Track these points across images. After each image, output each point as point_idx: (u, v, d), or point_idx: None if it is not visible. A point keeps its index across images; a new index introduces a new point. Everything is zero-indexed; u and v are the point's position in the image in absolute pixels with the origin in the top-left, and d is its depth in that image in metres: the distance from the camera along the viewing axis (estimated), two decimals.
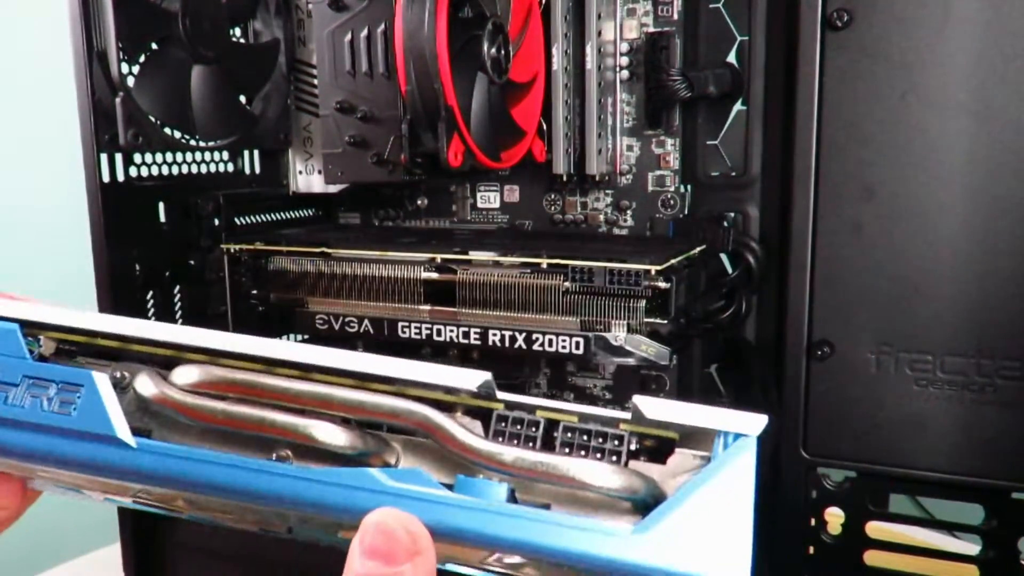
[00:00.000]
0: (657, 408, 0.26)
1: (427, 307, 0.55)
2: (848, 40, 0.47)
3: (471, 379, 0.27)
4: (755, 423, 0.26)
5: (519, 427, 0.28)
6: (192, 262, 0.59)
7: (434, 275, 0.54)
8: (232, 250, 0.60)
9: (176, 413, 0.29)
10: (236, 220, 0.62)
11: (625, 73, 0.63)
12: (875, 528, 0.52)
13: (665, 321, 0.50)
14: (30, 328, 0.30)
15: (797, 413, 0.50)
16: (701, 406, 0.26)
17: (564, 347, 0.52)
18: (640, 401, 0.26)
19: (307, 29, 0.65)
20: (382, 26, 0.54)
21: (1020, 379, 0.46)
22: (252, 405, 0.28)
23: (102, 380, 0.28)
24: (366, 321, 0.56)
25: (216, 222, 0.60)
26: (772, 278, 0.57)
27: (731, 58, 0.59)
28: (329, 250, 0.57)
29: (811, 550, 0.53)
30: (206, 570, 0.59)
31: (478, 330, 0.54)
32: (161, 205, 0.57)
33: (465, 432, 0.27)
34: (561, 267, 0.51)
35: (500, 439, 0.28)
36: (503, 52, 0.57)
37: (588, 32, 0.60)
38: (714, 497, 0.25)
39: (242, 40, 0.64)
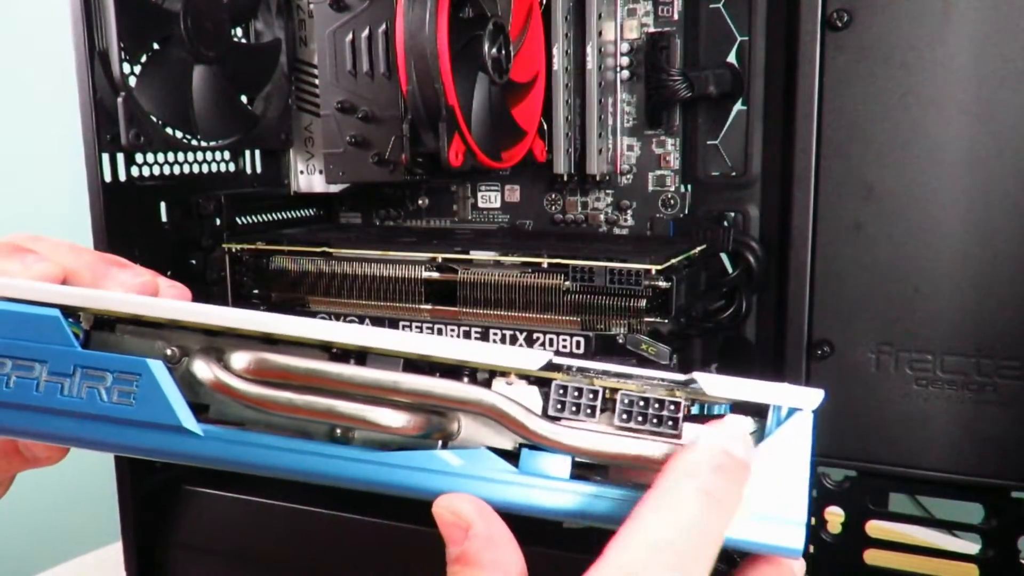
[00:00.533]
0: (716, 384, 0.27)
1: (428, 307, 0.55)
2: (848, 40, 0.48)
3: (532, 360, 0.28)
4: (810, 397, 0.26)
5: (578, 395, 0.28)
6: (193, 261, 0.59)
7: (435, 275, 0.54)
8: (233, 250, 0.60)
9: (239, 402, 0.29)
10: (237, 220, 0.62)
11: (625, 73, 0.63)
12: (875, 527, 0.52)
13: (665, 320, 0.50)
14: (70, 311, 0.30)
15: None
16: (758, 382, 0.27)
17: (565, 346, 0.52)
18: (700, 378, 0.27)
19: (308, 29, 0.65)
20: (383, 26, 0.54)
21: (1019, 379, 0.47)
22: (315, 393, 0.28)
23: (158, 368, 0.28)
24: (367, 321, 0.56)
25: (217, 222, 0.60)
26: (772, 278, 0.57)
27: (731, 58, 0.59)
28: (330, 250, 0.57)
29: (812, 549, 0.53)
30: (208, 569, 0.59)
31: (479, 329, 0.54)
32: (163, 205, 0.57)
33: (531, 417, 0.28)
34: (562, 267, 0.51)
35: (559, 407, 0.28)
36: (504, 52, 0.57)
37: (588, 32, 0.60)
38: (772, 469, 0.26)
39: (243, 40, 0.64)
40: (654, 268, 0.49)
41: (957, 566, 0.50)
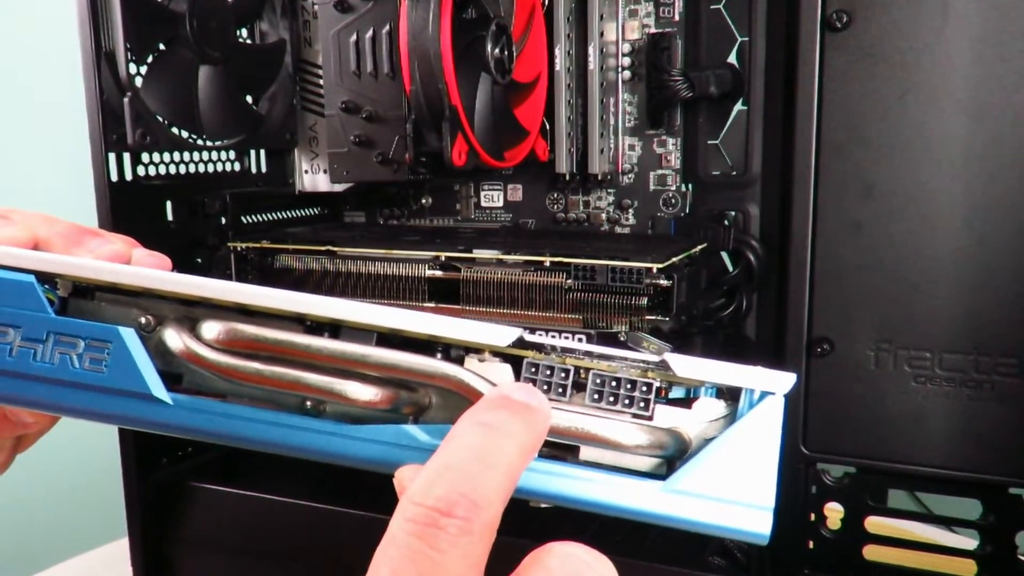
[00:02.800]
0: (688, 366, 0.27)
1: (431, 305, 0.55)
2: (847, 41, 0.48)
3: (502, 336, 0.28)
4: (783, 381, 0.26)
5: (549, 374, 0.28)
6: (199, 260, 0.60)
7: (438, 273, 0.55)
8: (239, 248, 0.60)
9: (206, 371, 0.29)
10: (243, 219, 0.63)
11: (627, 73, 0.64)
12: (874, 523, 0.52)
13: (667, 318, 0.51)
14: (45, 277, 0.30)
15: (797, 409, 0.51)
16: (730, 364, 0.27)
17: None
18: (672, 360, 0.27)
19: (313, 30, 0.66)
20: (387, 27, 0.54)
21: (1017, 376, 0.47)
22: (284, 364, 0.28)
23: (130, 336, 0.28)
24: None
25: (223, 221, 0.61)
26: (772, 276, 0.57)
27: (732, 58, 0.59)
28: (335, 248, 0.57)
29: (811, 544, 0.53)
30: (214, 565, 0.59)
31: None
32: (168, 204, 0.58)
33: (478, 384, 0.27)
34: (564, 265, 0.52)
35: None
36: (506, 53, 0.58)
37: (590, 33, 0.61)
38: (741, 453, 0.26)
39: (248, 41, 0.65)
40: (655, 267, 0.49)
41: (955, 562, 0.51)
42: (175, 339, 0.29)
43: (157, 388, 0.28)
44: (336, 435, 0.27)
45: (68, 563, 0.77)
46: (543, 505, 0.28)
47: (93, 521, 0.87)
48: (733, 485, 0.25)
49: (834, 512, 0.53)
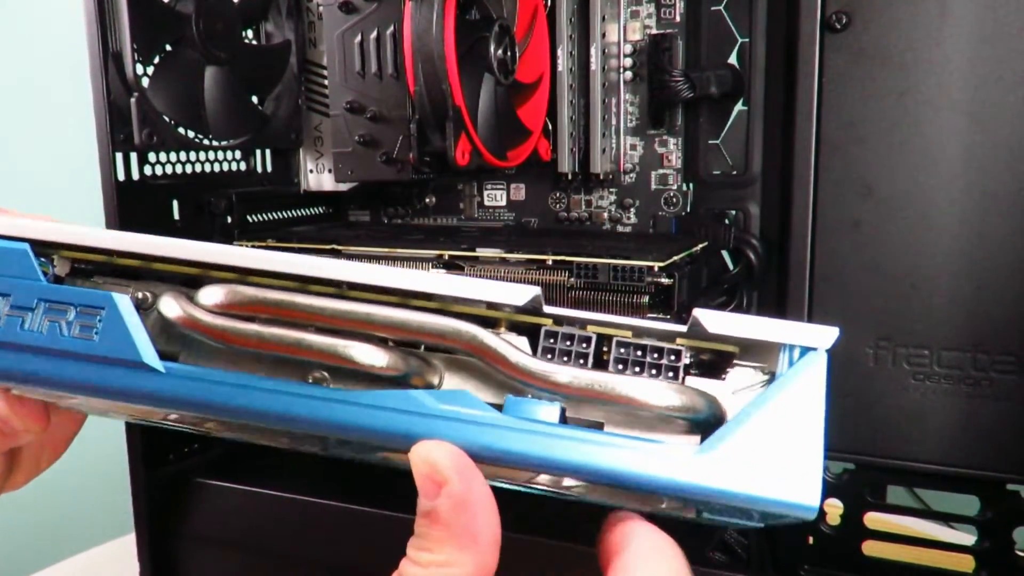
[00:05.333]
0: (718, 321, 0.24)
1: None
2: (846, 42, 0.48)
3: (518, 294, 0.25)
4: (825, 336, 0.24)
5: (569, 343, 0.26)
6: None
7: (442, 271, 0.55)
8: (244, 247, 0.61)
9: (204, 336, 0.27)
10: (248, 218, 0.63)
11: (628, 74, 0.64)
12: (873, 519, 0.53)
13: (668, 317, 0.51)
14: (42, 248, 0.28)
15: None
16: (765, 319, 0.24)
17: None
18: (700, 314, 0.24)
19: (318, 31, 0.66)
20: (391, 28, 0.55)
21: (1015, 373, 0.47)
22: (286, 326, 0.26)
23: (123, 301, 0.26)
24: None
25: (229, 220, 0.61)
26: (772, 274, 0.58)
27: (732, 59, 0.60)
28: (339, 247, 0.58)
29: (811, 540, 0.54)
30: (221, 561, 0.60)
31: None
32: (175, 203, 0.58)
33: (516, 352, 0.25)
34: (566, 264, 0.52)
35: (549, 356, 0.26)
36: (509, 53, 0.58)
37: (592, 34, 0.61)
38: (783, 414, 0.23)
39: (254, 42, 0.65)
40: (657, 265, 0.50)
41: (954, 557, 0.51)
42: (172, 306, 0.27)
43: (149, 356, 0.26)
44: (341, 402, 0.25)
45: (75, 559, 0.77)
46: (565, 491, 0.25)
47: (100, 517, 0.88)
48: (777, 451, 0.22)
49: (833, 508, 0.53)
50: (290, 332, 0.26)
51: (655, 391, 0.24)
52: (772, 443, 0.22)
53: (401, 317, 0.26)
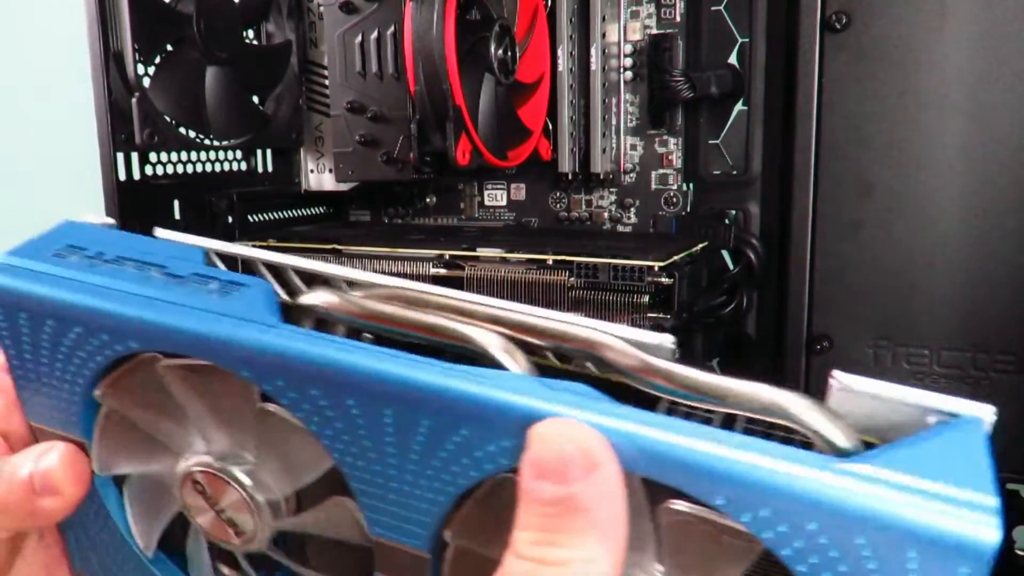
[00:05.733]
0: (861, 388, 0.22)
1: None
2: (846, 42, 0.48)
3: (661, 340, 0.25)
4: (982, 410, 0.22)
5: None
6: None
7: (442, 271, 0.55)
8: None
9: (343, 315, 0.28)
10: (249, 218, 0.63)
11: (629, 74, 0.64)
12: None
13: (668, 316, 0.51)
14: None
15: None
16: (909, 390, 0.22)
17: None
18: (845, 379, 0.23)
19: (318, 31, 0.66)
20: (391, 28, 0.55)
21: (1015, 372, 0.47)
22: (436, 314, 0.27)
23: (261, 284, 0.29)
24: None
25: (230, 219, 0.61)
26: (772, 274, 0.58)
27: (732, 59, 0.60)
28: (340, 247, 0.58)
29: None
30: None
31: None
32: (176, 203, 0.58)
33: (644, 355, 0.25)
34: (566, 263, 0.52)
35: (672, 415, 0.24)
36: (510, 53, 0.58)
37: (593, 34, 0.61)
38: (949, 444, 0.21)
39: (255, 42, 0.65)
40: (657, 265, 0.50)
41: None
42: (318, 295, 0.29)
43: (272, 318, 0.27)
44: (460, 374, 0.23)
45: None
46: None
47: None
48: (943, 471, 0.19)
49: None
50: (438, 319, 0.27)
51: (811, 413, 0.23)
52: (939, 464, 0.20)
53: (538, 324, 0.27)
